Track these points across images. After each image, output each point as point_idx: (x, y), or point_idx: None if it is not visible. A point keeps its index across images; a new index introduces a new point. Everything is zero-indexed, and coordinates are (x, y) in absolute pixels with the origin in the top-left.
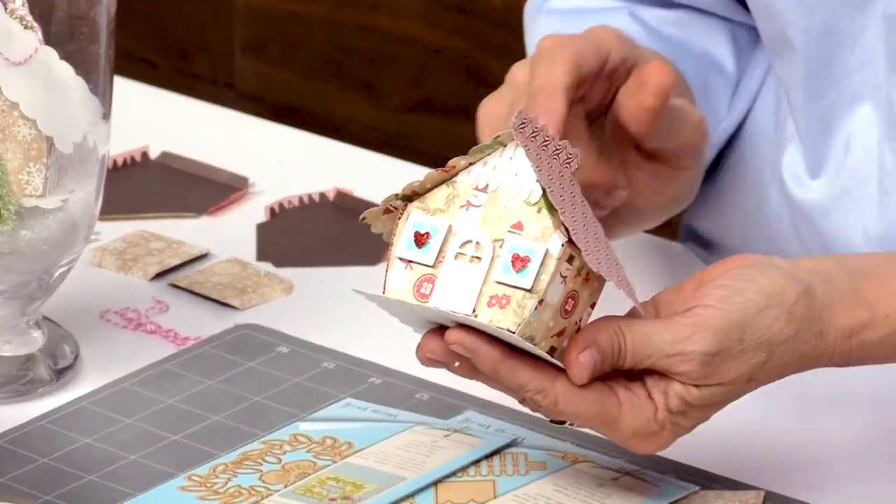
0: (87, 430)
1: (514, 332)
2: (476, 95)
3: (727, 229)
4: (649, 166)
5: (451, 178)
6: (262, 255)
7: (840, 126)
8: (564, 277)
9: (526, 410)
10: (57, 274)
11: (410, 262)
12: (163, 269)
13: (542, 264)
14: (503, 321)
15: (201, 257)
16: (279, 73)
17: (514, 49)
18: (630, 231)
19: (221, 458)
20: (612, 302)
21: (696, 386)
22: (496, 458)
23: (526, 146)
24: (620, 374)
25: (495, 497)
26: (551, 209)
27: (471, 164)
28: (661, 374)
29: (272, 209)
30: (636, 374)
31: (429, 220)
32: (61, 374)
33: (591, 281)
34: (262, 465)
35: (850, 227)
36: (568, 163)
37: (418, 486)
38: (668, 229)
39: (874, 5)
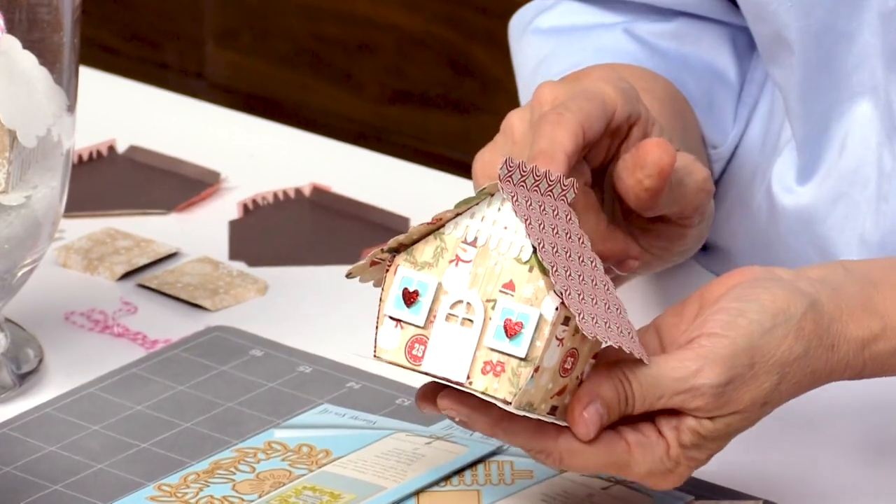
0: (51, 438)
1: (510, 403)
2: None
3: (723, 235)
4: (654, 227)
5: (437, 229)
6: (234, 254)
7: (837, 128)
8: (561, 339)
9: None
10: (20, 274)
11: (400, 321)
12: (131, 269)
13: (536, 330)
14: (499, 391)
15: (171, 256)
16: (252, 63)
17: (500, 37)
18: (639, 274)
19: (192, 466)
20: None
21: (709, 419)
22: (481, 467)
23: (514, 197)
24: (632, 416)
25: None
26: (543, 268)
27: (458, 214)
28: (672, 413)
29: (245, 206)
30: (646, 413)
31: (417, 275)
32: (24, 378)
33: None
34: (235, 474)
35: (848, 231)
36: (564, 195)
37: (399, 496)
38: None
39: (869, 2)
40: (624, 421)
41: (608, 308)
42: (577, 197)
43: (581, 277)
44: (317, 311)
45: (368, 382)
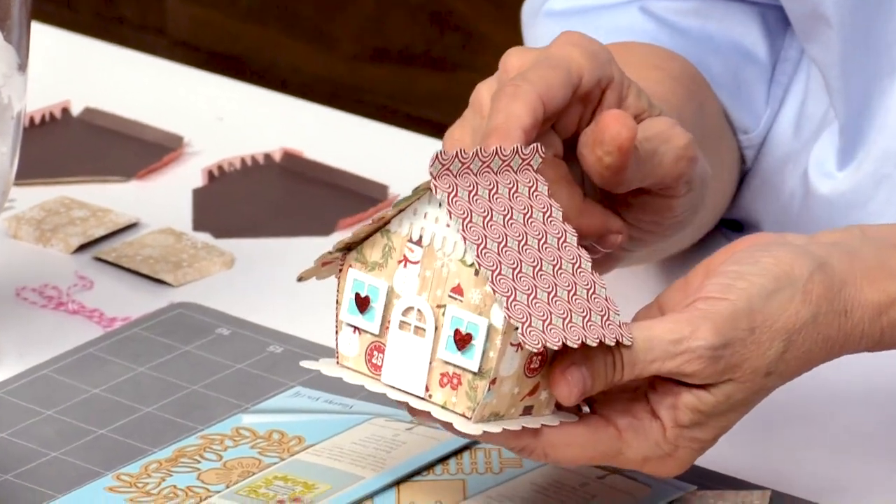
0: (1, 424)
1: (469, 418)
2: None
3: (751, 217)
4: (638, 200)
5: (383, 227)
6: (199, 224)
7: (878, 105)
8: (517, 345)
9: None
10: None
11: (356, 327)
12: (86, 241)
13: (487, 340)
14: (457, 405)
15: (130, 227)
16: (216, 17)
17: None
18: (650, 258)
19: (154, 454)
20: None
21: (707, 391)
22: (466, 455)
23: (451, 192)
24: (623, 396)
25: (465, 498)
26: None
27: (400, 211)
28: (668, 389)
29: (210, 172)
30: (640, 393)
31: (368, 279)
32: None
33: None
34: (200, 462)
35: (889, 216)
36: (527, 164)
37: (378, 486)
38: None
39: None
40: (614, 405)
41: (573, 294)
42: (547, 170)
43: (537, 268)
44: (288, 287)
45: None
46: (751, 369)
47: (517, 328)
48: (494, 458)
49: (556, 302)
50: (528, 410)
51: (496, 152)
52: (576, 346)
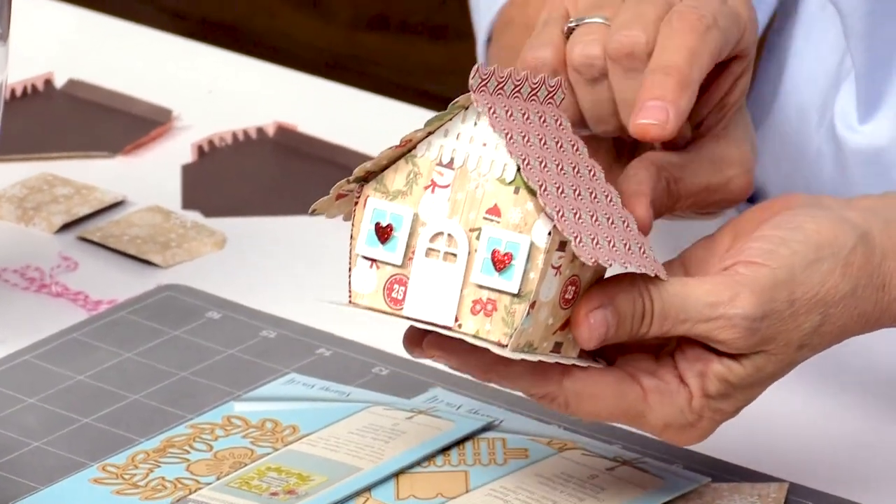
0: None
1: (505, 346)
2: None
3: (773, 185)
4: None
5: (408, 152)
6: (188, 202)
7: None
8: (558, 268)
9: (504, 388)
10: None
11: (375, 260)
12: (70, 220)
13: (528, 260)
14: (492, 332)
15: (116, 205)
16: None
17: None
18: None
19: (141, 444)
20: None
21: (738, 362)
22: (469, 445)
23: (491, 109)
24: (647, 356)
25: (467, 491)
26: (530, 186)
27: (430, 133)
28: (698, 355)
29: (200, 147)
30: (666, 355)
31: (390, 207)
32: None
33: None
34: (189, 453)
35: None
36: (551, 98)
37: (376, 477)
38: None
39: None
40: (641, 364)
41: (612, 223)
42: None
43: (577, 192)
44: (282, 268)
45: (341, 349)
46: (785, 342)
47: (566, 243)
48: (498, 448)
49: (598, 226)
50: (557, 347)
51: (527, 78)
52: (623, 268)
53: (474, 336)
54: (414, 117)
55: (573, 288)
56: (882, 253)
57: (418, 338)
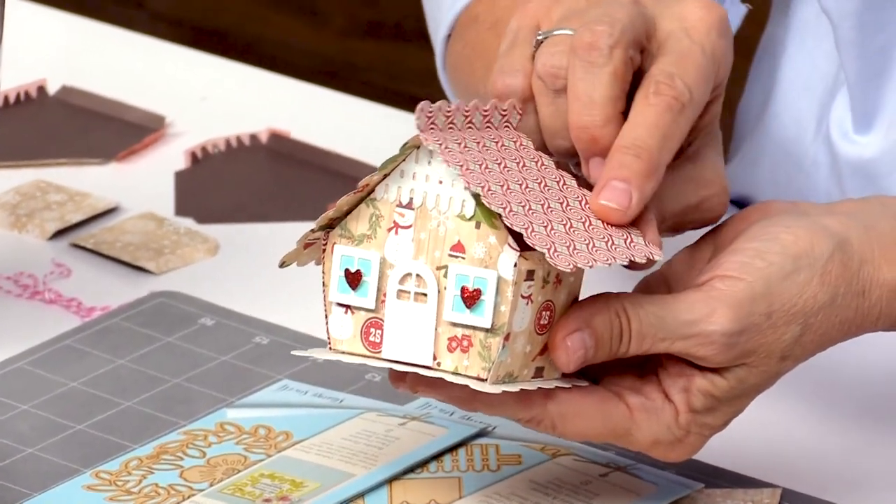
0: None
1: (485, 380)
2: None
3: (765, 195)
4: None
5: (367, 196)
6: (181, 209)
7: None
8: (528, 297)
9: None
10: None
11: (349, 306)
12: (64, 227)
13: (497, 293)
14: (470, 368)
15: (109, 212)
16: None
17: None
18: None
19: (134, 451)
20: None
21: (721, 375)
22: (462, 451)
23: (443, 145)
24: (631, 374)
25: (461, 497)
26: (491, 220)
27: (385, 175)
28: (680, 371)
29: (194, 154)
30: (650, 372)
31: (356, 252)
32: None
33: (566, 279)
34: (182, 459)
35: None
36: (506, 121)
37: (369, 484)
38: None
39: None
40: (625, 382)
41: (589, 225)
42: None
43: (546, 206)
44: (275, 275)
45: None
46: (765, 354)
47: (533, 272)
48: (492, 454)
49: (574, 231)
50: (539, 372)
51: (477, 107)
52: (607, 265)
53: (454, 373)
54: (408, 123)
55: (548, 313)
56: (860, 259)
57: (402, 374)
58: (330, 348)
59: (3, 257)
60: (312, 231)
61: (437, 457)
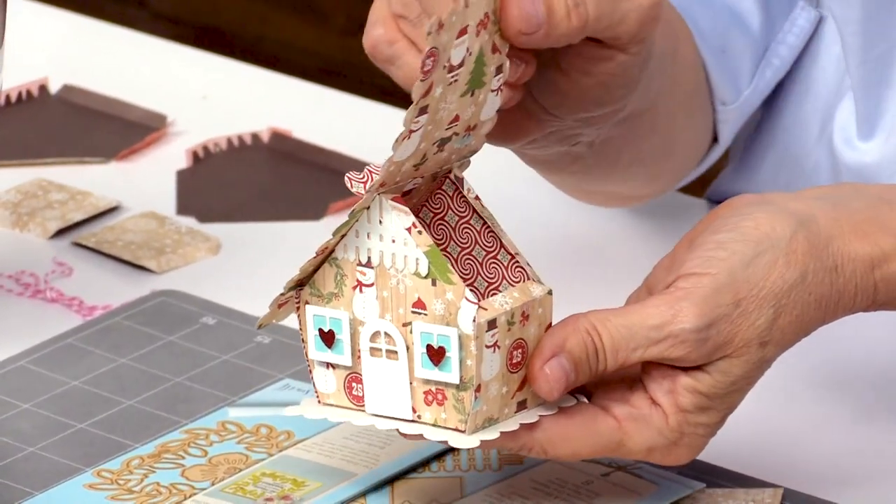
0: None
1: (464, 431)
2: None
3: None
4: (577, 44)
5: (328, 257)
6: (183, 208)
7: None
8: (493, 345)
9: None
10: None
11: (328, 363)
12: (65, 226)
13: (461, 349)
14: (448, 420)
15: (111, 211)
16: None
17: None
18: (559, 126)
19: (136, 450)
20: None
21: (704, 371)
22: (463, 451)
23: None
24: (622, 384)
25: (462, 496)
26: (446, 276)
27: (342, 236)
28: (663, 374)
29: (195, 153)
30: (636, 381)
31: (327, 312)
32: None
33: (533, 312)
34: (184, 458)
35: None
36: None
37: (370, 483)
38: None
39: None
40: (612, 394)
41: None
42: None
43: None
44: (276, 273)
45: None
46: (743, 342)
47: (495, 320)
48: (493, 455)
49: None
50: (522, 405)
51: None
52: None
53: (434, 425)
54: None
55: (520, 351)
56: (828, 236)
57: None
58: (319, 402)
59: (4, 256)
60: (282, 293)
61: (438, 457)
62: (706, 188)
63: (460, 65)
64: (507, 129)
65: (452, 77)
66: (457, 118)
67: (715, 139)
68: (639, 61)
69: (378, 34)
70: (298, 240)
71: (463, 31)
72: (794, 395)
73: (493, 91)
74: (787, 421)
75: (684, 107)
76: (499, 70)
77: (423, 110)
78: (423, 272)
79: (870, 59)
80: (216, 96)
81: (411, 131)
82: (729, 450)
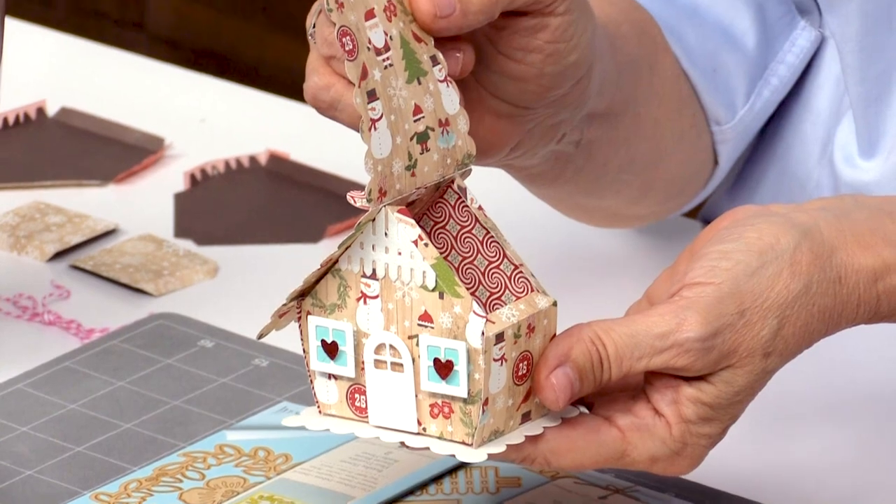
0: None
1: (471, 444)
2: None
3: None
4: (506, 22)
5: (332, 268)
6: (181, 231)
7: None
8: (501, 358)
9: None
10: None
11: (330, 374)
12: (63, 249)
13: (469, 363)
14: (455, 433)
15: (109, 234)
16: (198, 12)
17: None
18: (530, 117)
19: (134, 473)
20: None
21: (707, 381)
22: (461, 474)
23: (397, 208)
24: (625, 395)
25: None
26: (454, 289)
27: (347, 248)
28: (666, 384)
29: (193, 176)
30: (639, 391)
31: (330, 323)
32: None
33: (539, 324)
34: (182, 481)
35: None
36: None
37: None
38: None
39: None
40: (614, 404)
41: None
42: None
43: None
44: (274, 296)
45: None
46: (747, 352)
47: (503, 333)
48: (491, 477)
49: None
50: (526, 417)
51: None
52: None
53: (440, 438)
54: None
55: (525, 363)
56: (832, 247)
57: None
58: (320, 412)
59: (2, 279)
60: (284, 304)
61: (436, 479)
62: (700, 208)
63: (386, 48)
64: (488, 138)
65: (384, 60)
66: (419, 109)
67: (716, 162)
68: (574, 19)
69: (314, 82)
70: (296, 262)
71: (370, 14)
72: (795, 417)
73: (442, 82)
74: (787, 444)
75: (671, 118)
76: (435, 60)
77: (371, 95)
78: (430, 285)
79: (869, 77)
80: (214, 119)
81: (373, 121)
82: (728, 473)
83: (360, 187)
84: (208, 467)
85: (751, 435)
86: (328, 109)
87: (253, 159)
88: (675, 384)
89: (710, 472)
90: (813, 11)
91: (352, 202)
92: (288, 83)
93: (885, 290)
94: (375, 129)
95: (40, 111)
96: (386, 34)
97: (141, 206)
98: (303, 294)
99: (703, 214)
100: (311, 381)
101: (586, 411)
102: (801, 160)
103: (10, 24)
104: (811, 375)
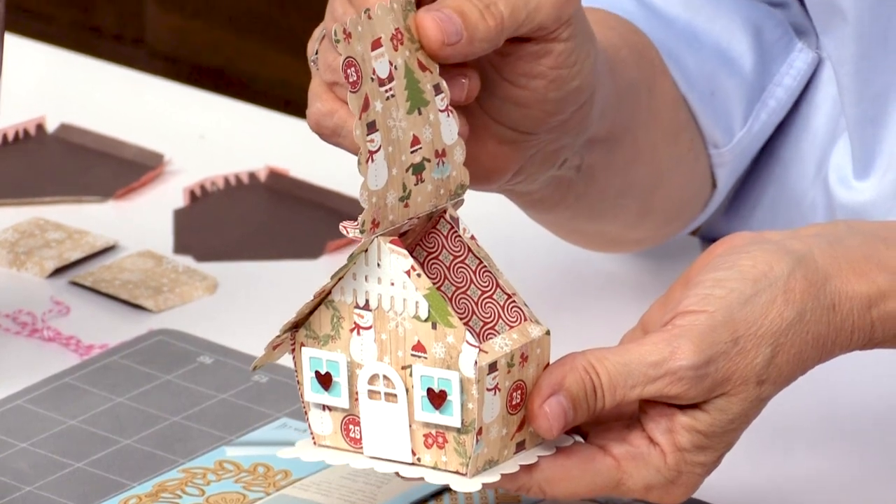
0: None
1: (465, 474)
2: None
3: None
4: (510, 48)
5: (325, 299)
6: (180, 247)
7: (894, 111)
8: (494, 388)
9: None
10: None
11: (325, 405)
12: (62, 265)
13: (462, 393)
14: (449, 463)
15: (108, 250)
16: (198, 28)
17: None
18: (532, 142)
19: (133, 489)
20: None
21: (702, 410)
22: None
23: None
24: (619, 424)
25: None
26: (446, 319)
27: (340, 279)
28: (661, 412)
29: (192, 192)
30: (634, 420)
31: (324, 354)
32: None
33: (532, 353)
34: (181, 498)
35: None
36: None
37: None
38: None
39: None
40: (609, 434)
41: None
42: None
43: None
44: (274, 312)
45: None
46: (741, 380)
47: (496, 363)
48: (490, 495)
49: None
50: (521, 446)
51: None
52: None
53: (434, 468)
54: None
55: (519, 392)
56: (826, 274)
57: None
58: (315, 443)
59: (1, 295)
60: (278, 336)
61: (436, 495)
62: (699, 227)
63: (390, 78)
64: (490, 164)
65: (386, 91)
66: (416, 140)
67: (714, 185)
68: (577, 45)
69: (317, 108)
70: (296, 279)
71: (377, 44)
72: (793, 441)
73: (442, 112)
74: (786, 466)
75: (669, 142)
76: (438, 90)
77: (371, 127)
78: (423, 315)
79: (864, 98)
80: (213, 135)
81: (371, 152)
82: (726, 496)
83: (357, 205)
84: (208, 483)
85: (747, 451)
86: (331, 136)
87: (252, 175)
88: (669, 413)
89: (706, 489)
90: (810, 33)
91: (344, 232)
92: (287, 99)
93: (879, 317)
94: (373, 160)
95: (40, 127)
96: (391, 64)
97: (140, 223)
98: (296, 325)
99: (702, 233)
100: (306, 412)
101: (581, 440)
102: (796, 180)
103: (10, 39)
104: (809, 392)
